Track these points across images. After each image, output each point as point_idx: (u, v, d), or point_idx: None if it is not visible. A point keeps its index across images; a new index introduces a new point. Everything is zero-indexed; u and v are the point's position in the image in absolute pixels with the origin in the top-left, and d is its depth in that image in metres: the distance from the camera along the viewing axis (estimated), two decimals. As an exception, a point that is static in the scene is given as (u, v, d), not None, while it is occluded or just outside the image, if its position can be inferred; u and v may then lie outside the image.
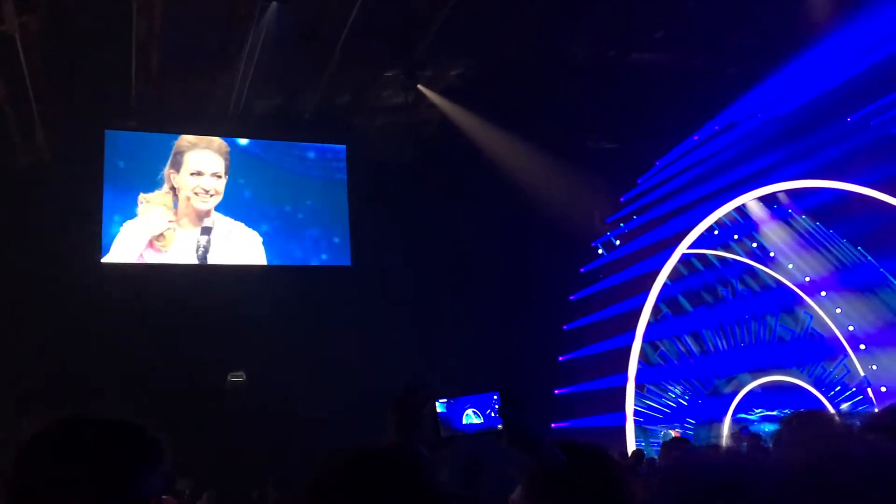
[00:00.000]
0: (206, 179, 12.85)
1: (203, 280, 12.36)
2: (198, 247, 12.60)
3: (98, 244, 12.07)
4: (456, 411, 2.10)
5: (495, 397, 2.06)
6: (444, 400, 2.10)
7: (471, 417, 2.09)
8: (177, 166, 12.77)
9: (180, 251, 12.53)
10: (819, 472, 0.71)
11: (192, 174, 12.81)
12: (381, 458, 1.52)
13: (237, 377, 12.48)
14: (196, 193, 12.76)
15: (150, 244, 12.40)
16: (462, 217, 13.17)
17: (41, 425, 1.56)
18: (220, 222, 12.85)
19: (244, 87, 11.62)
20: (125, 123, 12.56)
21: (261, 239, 12.99)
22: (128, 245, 12.32)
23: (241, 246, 12.87)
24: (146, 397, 10.06)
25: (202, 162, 12.95)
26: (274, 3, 9.68)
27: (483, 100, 12.50)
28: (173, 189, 12.70)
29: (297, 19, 10.35)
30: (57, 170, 11.97)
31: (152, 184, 12.61)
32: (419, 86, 12.42)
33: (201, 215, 12.78)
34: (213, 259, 12.66)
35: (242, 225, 12.96)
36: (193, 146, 12.95)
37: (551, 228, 13.45)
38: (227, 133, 13.03)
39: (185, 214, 12.71)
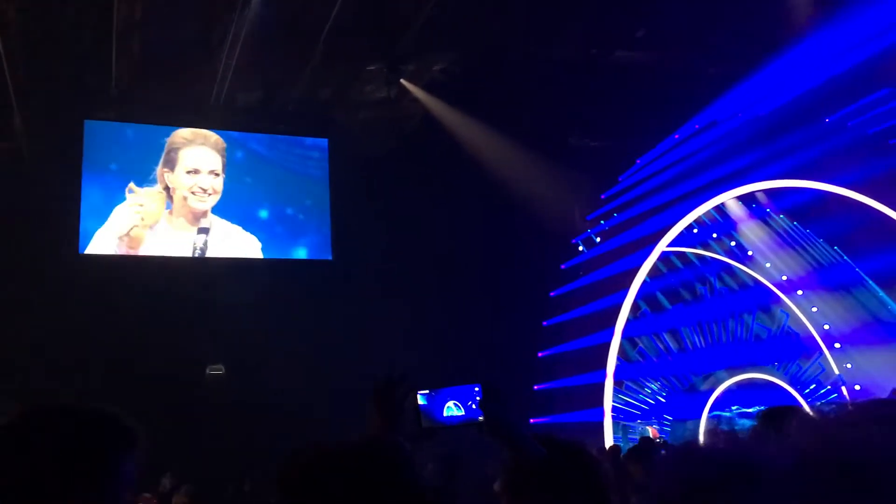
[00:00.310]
0: (203, 178, 12.55)
1: (182, 273, 12.28)
2: (194, 248, 12.35)
3: (76, 235, 11.96)
4: (437, 403, 2.11)
5: (476, 389, 2.07)
6: (426, 392, 2.11)
7: (452, 409, 2.10)
8: (171, 164, 12.44)
9: (175, 252, 12.33)
10: (833, 460, 0.72)
11: (188, 172, 12.49)
12: (362, 451, 1.53)
13: (216, 370, 12.42)
14: (193, 193, 12.44)
15: (129, 242, 12.19)
16: (444, 212, 13.18)
17: (12, 415, 1.56)
18: (218, 224, 12.61)
19: (226, 79, 11.54)
20: (105, 114, 12.44)
21: (259, 244, 12.87)
22: (111, 235, 12.12)
23: (239, 248, 12.69)
24: (124, 390, 9.99)
25: (199, 159, 12.59)
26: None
27: (466, 95, 12.51)
28: (167, 189, 12.41)
29: (280, 12, 10.31)
30: (35, 158, 11.85)
31: (140, 180, 12.44)
32: (402, 80, 12.41)
33: (198, 215, 12.52)
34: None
35: (240, 228, 12.76)
36: (189, 143, 12.59)
37: (533, 224, 13.49)
38: (209, 125, 12.94)
39: (180, 214, 12.42)
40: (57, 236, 11.77)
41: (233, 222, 12.78)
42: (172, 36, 10.91)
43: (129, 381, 10.61)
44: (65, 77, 11.38)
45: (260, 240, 12.89)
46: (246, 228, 12.84)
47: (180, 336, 11.68)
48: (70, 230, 11.90)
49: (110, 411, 1.62)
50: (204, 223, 12.51)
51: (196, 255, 12.36)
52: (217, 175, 12.68)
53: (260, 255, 12.82)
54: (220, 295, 11.96)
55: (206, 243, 12.42)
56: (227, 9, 10.25)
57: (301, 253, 13.28)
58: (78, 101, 12.03)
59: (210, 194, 12.57)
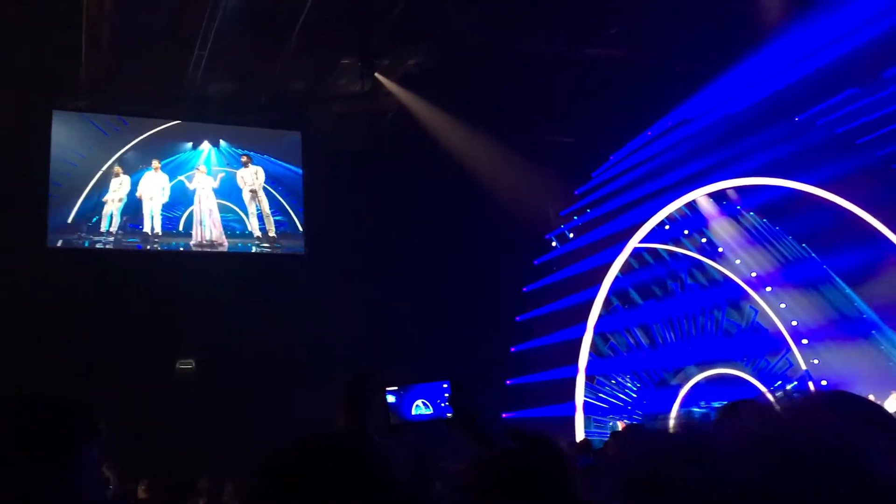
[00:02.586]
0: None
1: (152, 266, 12.18)
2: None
3: (44, 227, 11.82)
4: (406, 401, 2.10)
5: (445, 386, 2.07)
6: (394, 388, 2.10)
7: (420, 408, 2.10)
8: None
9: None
10: (768, 441, 0.75)
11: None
12: (333, 443, 1.53)
13: (186, 365, 12.32)
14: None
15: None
16: (417, 207, 13.17)
17: None
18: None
19: (199, 71, 11.43)
20: (74, 104, 12.27)
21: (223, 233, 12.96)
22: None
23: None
24: (90, 384, 9.87)
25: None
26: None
27: (440, 90, 12.49)
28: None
29: (253, 3, 10.22)
30: (2, 149, 11.65)
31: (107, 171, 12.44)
32: (376, 74, 12.37)
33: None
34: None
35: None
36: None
37: (506, 220, 13.52)
38: (180, 116, 12.83)
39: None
40: (25, 228, 11.61)
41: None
42: (143, 26, 10.78)
43: (96, 375, 10.49)
44: (33, 68, 11.20)
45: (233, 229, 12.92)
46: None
47: (149, 330, 11.57)
48: (38, 222, 11.75)
49: (71, 399, 1.61)
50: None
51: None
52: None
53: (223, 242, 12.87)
54: (192, 288, 11.87)
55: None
56: (199, -1, 10.15)
57: (273, 247, 13.22)
58: (46, 91, 11.85)
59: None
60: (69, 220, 12.11)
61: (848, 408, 1.36)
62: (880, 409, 1.47)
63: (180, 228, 12.70)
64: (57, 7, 9.94)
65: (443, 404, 2.06)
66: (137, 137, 12.66)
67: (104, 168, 12.45)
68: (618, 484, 0.83)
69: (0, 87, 11.19)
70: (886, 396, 11.42)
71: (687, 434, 0.85)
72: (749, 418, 0.83)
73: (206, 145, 13.10)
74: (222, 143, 13.21)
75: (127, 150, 12.59)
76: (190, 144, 13.05)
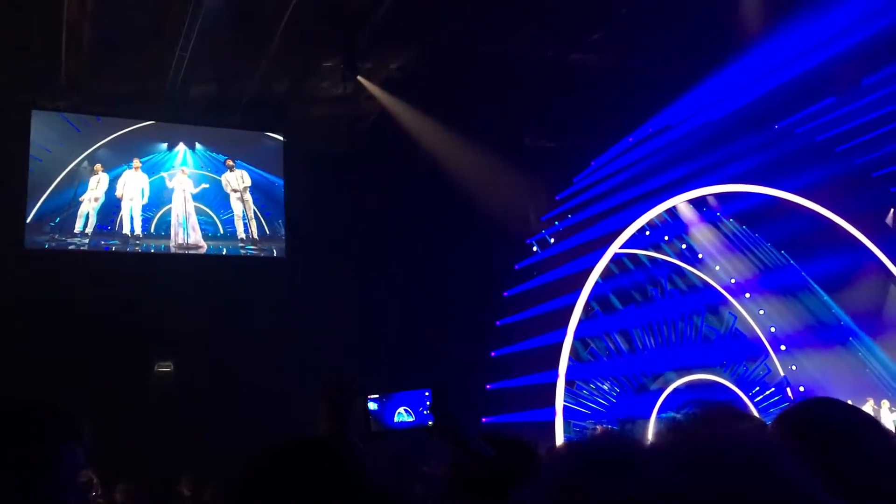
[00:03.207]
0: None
1: (131, 267, 12.08)
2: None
3: (21, 227, 11.69)
4: (388, 409, 2.09)
5: (427, 394, 2.06)
6: (376, 396, 2.09)
7: (402, 416, 2.09)
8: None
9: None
10: (683, 448, 0.80)
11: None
12: (313, 445, 1.53)
13: (164, 367, 12.23)
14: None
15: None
16: (398, 211, 13.16)
17: None
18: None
19: (180, 72, 11.36)
20: (53, 104, 12.16)
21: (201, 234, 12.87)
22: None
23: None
24: (68, 388, 9.78)
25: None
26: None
27: (422, 94, 12.50)
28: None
29: (236, 3, 10.18)
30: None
31: (88, 171, 12.31)
32: (359, 77, 12.35)
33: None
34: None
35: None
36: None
37: (487, 224, 13.53)
38: (161, 117, 12.74)
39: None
40: (2, 230, 11.49)
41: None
42: (124, 27, 10.70)
43: (74, 377, 10.40)
44: (13, 67, 11.09)
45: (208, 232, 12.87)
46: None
47: (127, 332, 11.48)
48: (16, 223, 11.62)
49: (51, 402, 1.59)
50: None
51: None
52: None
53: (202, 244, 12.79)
54: (171, 290, 11.79)
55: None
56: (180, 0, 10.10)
57: (253, 249, 13.15)
58: (26, 91, 11.75)
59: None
60: (28, 220, 11.91)
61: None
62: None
63: (151, 230, 12.57)
64: (37, 7, 9.84)
65: (424, 412, 2.06)
66: (110, 136, 12.51)
67: (72, 165, 12.27)
68: (548, 491, 0.90)
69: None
70: (863, 402, 11.55)
71: (611, 445, 0.92)
72: (666, 430, 0.92)
73: (181, 147, 12.98)
74: (198, 145, 13.11)
75: (98, 148, 12.42)
76: (165, 145, 12.93)
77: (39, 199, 11.99)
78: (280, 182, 13.33)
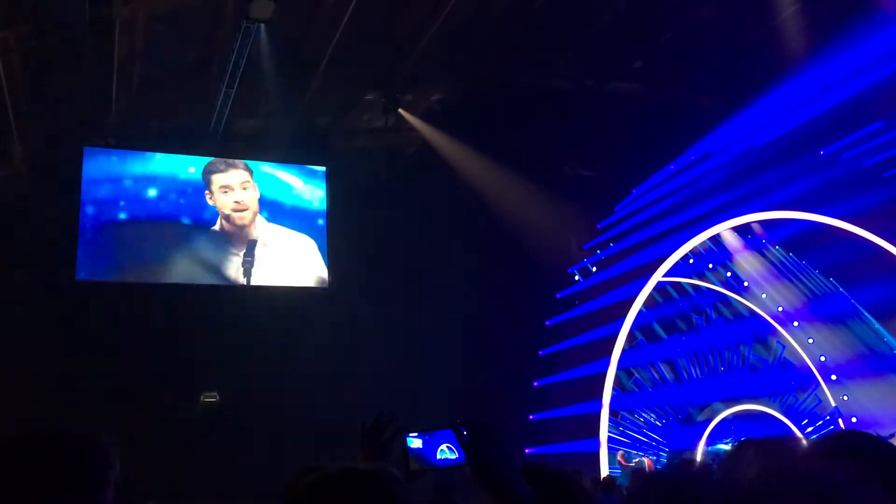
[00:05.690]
0: (237, 193, 13.00)
1: (175, 300, 12.26)
2: (244, 262, 12.81)
3: (73, 261, 11.97)
4: (431, 446, 2.06)
5: (464, 432, 1.99)
6: (416, 434, 2.05)
7: (445, 453, 2.06)
8: (209, 186, 12.96)
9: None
10: (768, 494, 0.76)
11: (222, 188, 12.95)
12: (358, 476, 1.54)
13: (210, 397, 12.36)
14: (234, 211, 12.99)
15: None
16: (439, 241, 13.19)
17: None
18: (267, 230, 13.11)
19: (225, 107, 11.61)
20: (104, 141, 12.50)
21: (314, 243, 13.26)
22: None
23: (295, 249, 13.20)
24: (117, 417, 9.94)
25: (228, 177, 13.08)
26: (257, 24, 9.71)
27: (463, 125, 12.59)
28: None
29: (280, 41, 10.41)
30: (34, 185, 11.90)
31: (136, 207, 12.61)
32: (400, 110, 12.50)
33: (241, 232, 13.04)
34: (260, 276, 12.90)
35: (290, 230, 13.23)
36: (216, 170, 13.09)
37: (529, 254, 13.51)
38: (207, 153, 13.00)
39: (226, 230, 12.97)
40: (55, 263, 11.79)
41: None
42: (172, 64, 11.00)
43: (123, 407, 10.57)
44: (65, 104, 11.44)
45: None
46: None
47: (175, 362, 11.66)
48: (67, 256, 11.91)
49: (86, 434, 1.62)
50: (252, 235, 13.01)
51: (245, 271, 12.79)
52: (246, 188, 13.05)
53: (317, 253, 13.22)
54: (217, 321, 11.96)
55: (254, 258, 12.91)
56: (226, 38, 10.35)
57: (297, 280, 13.27)
58: (78, 128, 12.10)
59: (244, 210, 12.99)
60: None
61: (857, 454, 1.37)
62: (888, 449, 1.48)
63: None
64: (89, 46, 10.16)
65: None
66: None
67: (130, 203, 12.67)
68: None
69: (34, 123, 11.43)
70: (918, 433, 11.18)
71: (679, 480, 0.88)
72: (749, 465, 0.86)
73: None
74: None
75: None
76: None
77: (105, 238, 12.33)
78: (323, 212, 13.49)
